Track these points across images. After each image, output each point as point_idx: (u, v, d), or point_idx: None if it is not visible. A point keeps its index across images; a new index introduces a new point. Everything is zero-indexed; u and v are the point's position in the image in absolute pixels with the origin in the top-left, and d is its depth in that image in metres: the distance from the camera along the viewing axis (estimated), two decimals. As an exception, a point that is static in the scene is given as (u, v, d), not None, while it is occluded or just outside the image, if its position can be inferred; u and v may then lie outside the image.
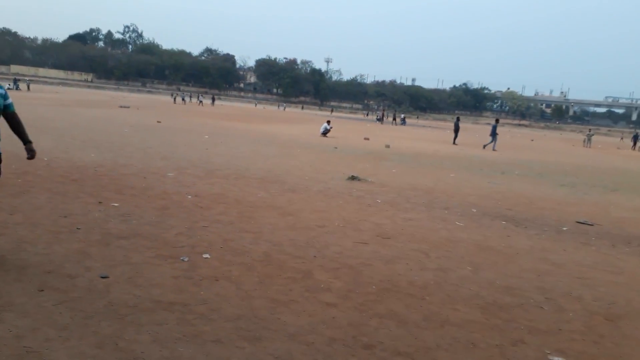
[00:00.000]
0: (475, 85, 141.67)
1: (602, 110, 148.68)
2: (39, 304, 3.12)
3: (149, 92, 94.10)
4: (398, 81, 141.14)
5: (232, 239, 4.92)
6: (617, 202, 9.92)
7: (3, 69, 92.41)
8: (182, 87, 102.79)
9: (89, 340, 2.75)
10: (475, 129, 61.94)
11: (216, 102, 69.48)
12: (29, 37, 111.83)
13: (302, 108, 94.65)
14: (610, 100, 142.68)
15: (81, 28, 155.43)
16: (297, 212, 6.44)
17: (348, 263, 4.52)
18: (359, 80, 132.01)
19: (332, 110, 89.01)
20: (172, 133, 16.67)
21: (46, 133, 12.99)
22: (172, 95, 64.56)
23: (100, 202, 5.91)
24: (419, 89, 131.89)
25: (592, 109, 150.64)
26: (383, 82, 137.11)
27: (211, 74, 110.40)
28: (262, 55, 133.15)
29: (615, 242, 6.37)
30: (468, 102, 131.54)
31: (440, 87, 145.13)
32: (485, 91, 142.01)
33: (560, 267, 4.99)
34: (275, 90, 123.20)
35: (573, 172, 15.50)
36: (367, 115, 75.90)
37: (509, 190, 10.24)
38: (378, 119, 60.70)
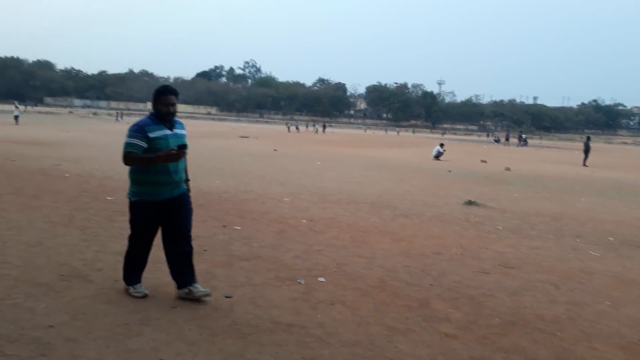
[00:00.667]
0: (608, 102, 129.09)
1: None
2: (172, 320, 3.41)
3: (266, 122, 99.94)
4: (518, 100, 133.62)
5: (346, 264, 4.97)
6: None
7: (141, 106, 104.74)
8: (295, 117, 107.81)
9: (215, 356, 2.93)
10: (608, 149, 56.26)
11: (327, 129, 71.69)
12: (163, 77, 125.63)
13: (414, 132, 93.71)
14: None
15: (207, 65, 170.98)
16: (410, 238, 6.33)
17: (468, 293, 4.31)
18: (473, 101, 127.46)
19: (443, 133, 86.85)
20: (287, 160, 17.45)
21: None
22: (286, 124, 67.86)
23: (224, 226, 6.34)
24: (542, 107, 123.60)
25: None
26: (501, 101, 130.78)
27: (323, 103, 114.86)
28: (373, 81, 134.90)
29: None
30: (599, 120, 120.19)
31: (566, 105, 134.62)
32: (620, 107, 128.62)
33: None
34: (385, 115, 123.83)
35: None
36: (488, 136, 72.49)
37: (654, 217, 9.07)
38: (496, 140, 57.83)
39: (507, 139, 55.68)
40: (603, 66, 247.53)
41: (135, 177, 3.63)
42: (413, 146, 36.80)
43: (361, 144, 35.95)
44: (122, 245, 5.16)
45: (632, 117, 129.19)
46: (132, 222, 3.76)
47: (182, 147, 3.47)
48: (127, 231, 5.55)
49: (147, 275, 4.30)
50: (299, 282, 4.33)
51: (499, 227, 7.40)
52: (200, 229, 6.10)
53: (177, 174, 3.64)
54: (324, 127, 67.78)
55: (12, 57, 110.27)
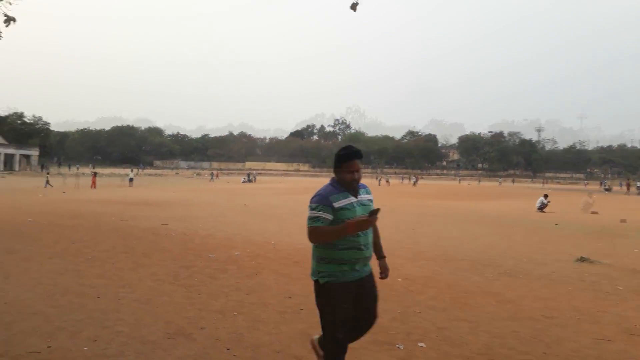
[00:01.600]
0: None
1: None
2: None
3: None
4: (629, 145, 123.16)
5: (447, 327, 4.71)
6: None
7: (239, 165, 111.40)
8: (385, 170, 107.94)
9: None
10: None
11: (419, 181, 70.73)
12: (260, 138, 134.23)
13: (513, 181, 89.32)
14: None
15: (303, 119, 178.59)
16: (517, 299, 5.88)
17: (588, 364, 3.87)
18: (578, 148, 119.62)
19: (544, 182, 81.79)
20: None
21: (271, 219, 14.85)
22: (376, 178, 68.23)
23: (318, 284, 6.37)
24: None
25: None
26: (609, 147, 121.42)
27: (413, 155, 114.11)
28: (466, 131, 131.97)
29: None
30: None
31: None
32: None
33: None
34: (480, 165, 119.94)
35: None
36: (601, 185, 66.62)
37: None
38: (606, 189, 53.21)
39: (627, 187, 50.95)
40: None
41: (321, 254, 3.11)
42: (513, 197, 34.95)
43: (456, 195, 34.85)
44: (223, 303, 5.37)
45: None
46: (324, 307, 3.11)
47: (373, 213, 2.94)
48: (227, 289, 5.78)
49: (250, 334, 4.39)
50: (398, 347, 4.17)
51: (619, 288, 6.66)
52: (295, 287, 6.18)
53: (367, 248, 3.14)
54: (416, 179, 66.97)
55: (127, 126, 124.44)
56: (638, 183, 56.07)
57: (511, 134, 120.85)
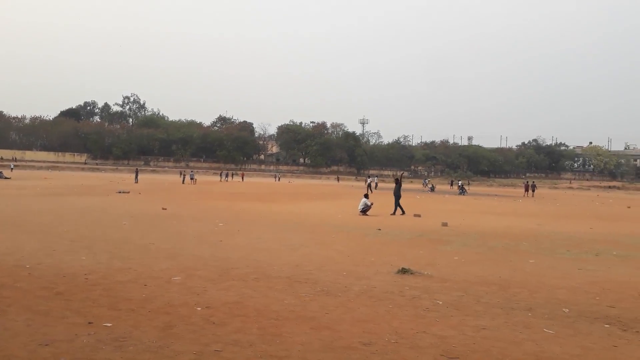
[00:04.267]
0: (549, 142, 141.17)
1: None
2: None
3: (153, 171, 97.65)
4: (451, 141, 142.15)
5: (253, 368, 4.70)
6: None
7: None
8: (191, 164, 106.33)
9: None
10: (554, 195, 60.88)
11: (229, 177, 71.57)
12: (16, 117, 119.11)
13: (338, 179, 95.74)
14: None
15: (75, 102, 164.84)
16: (334, 324, 6.20)
17: (405, 398, 4.21)
18: (402, 143, 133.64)
19: (368, 184, 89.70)
20: (180, 222, 16.91)
21: (29, 232, 13.35)
22: (180, 173, 66.65)
23: (90, 323, 5.83)
24: (478, 149, 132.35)
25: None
26: (432, 143, 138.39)
27: (226, 146, 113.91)
28: (285, 120, 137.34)
29: None
30: (541, 162, 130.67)
31: (504, 145, 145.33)
32: (562, 148, 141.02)
33: (697, 393, 4.52)
34: (302, 160, 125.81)
35: (690, 248, 14.71)
36: (426, 185, 75.83)
37: (608, 279, 9.72)
38: (431, 189, 60.58)
39: (451, 185, 58.71)
40: (542, 104, 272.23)
41: None
42: (337, 197, 37.47)
43: (274, 196, 35.99)
44: None
45: (576, 159, 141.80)
46: None
47: None
48: None
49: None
50: (190, 401, 3.99)
51: (438, 302, 7.50)
52: (56, 329, 5.57)
53: None
54: (229, 175, 67.50)
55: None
56: (460, 182, 65.11)
57: (335, 126, 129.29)
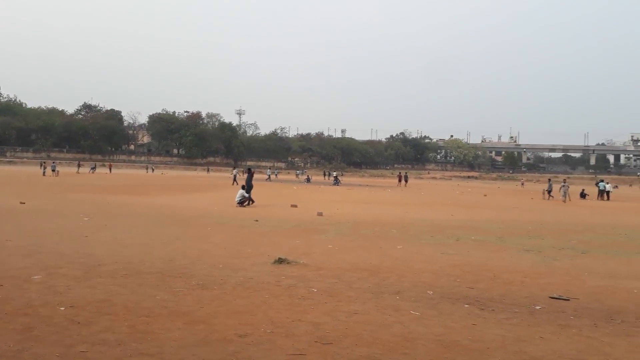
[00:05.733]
0: (415, 134, 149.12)
1: (558, 155, 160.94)
2: None
3: (10, 162, 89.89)
4: (326, 133, 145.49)
5: (123, 367, 4.49)
6: (590, 267, 10.42)
7: None
8: (53, 154, 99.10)
9: None
10: (420, 185, 64.43)
11: (98, 169, 67.85)
12: None
13: (208, 171, 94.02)
14: (564, 144, 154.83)
15: None
16: (209, 317, 6.09)
17: (281, 386, 4.24)
18: (279, 134, 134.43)
19: (243, 172, 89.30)
20: (41, 217, 15.72)
21: None
22: (41, 165, 61.88)
23: None
24: (351, 141, 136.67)
25: (546, 154, 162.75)
26: (308, 134, 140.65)
27: (91, 136, 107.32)
28: (157, 109, 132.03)
29: (596, 320, 6.57)
30: (408, 153, 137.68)
31: (374, 138, 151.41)
32: (426, 140, 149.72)
33: (542, 362, 5.00)
34: (176, 151, 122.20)
35: (537, 232, 16.29)
36: (299, 175, 77.12)
37: (467, 262, 10.47)
38: (307, 180, 61.64)
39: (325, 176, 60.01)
40: (409, 99, 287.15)
41: None
42: (213, 189, 36.85)
43: (145, 188, 34.58)
44: None
45: (439, 150, 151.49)
46: None
47: None
48: None
49: None
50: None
51: (313, 290, 7.64)
52: None
53: None
54: (91, 166, 63.83)
55: None
56: (334, 173, 66.89)
57: (210, 116, 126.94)
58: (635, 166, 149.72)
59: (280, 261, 9.64)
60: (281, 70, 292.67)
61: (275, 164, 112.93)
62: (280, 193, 35.68)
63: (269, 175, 64.54)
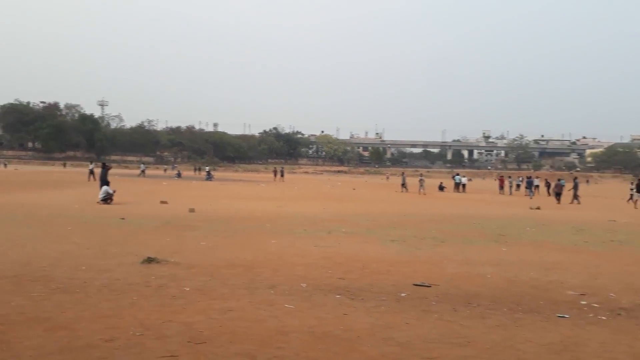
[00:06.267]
0: (287, 130, 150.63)
1: (419, 150, 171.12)
2: None
3: None
4: (197, 127, 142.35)
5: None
6: (449, 255, 11.19)
7: None
8: None
9: None
10: (293, 180, 65.15)
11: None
12: None
13: (65, 165, 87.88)
14: (423, 140, 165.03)
15: None
16: (72, 322, 5.71)
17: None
18: (147, 127, 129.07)
19: (104, 165, 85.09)
20: None
21: None
22: None
23: None
24: (224, 135, 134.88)
25: (408, 149, 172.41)
26: (178, 128, 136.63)
27: None
28: (9, 99, 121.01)
29: (455, 305, 7.08)
30: (281, 148, 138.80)
31: (248, 132, 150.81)
32: (299, 135, 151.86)
33: (407, 348, 5.29)
34: (31, 144, 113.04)
35: (401, 223, 17.18)
36: (167, 170, 74.70)
37: (338, 254, 10.78)
38: (177, 175, 59.96)
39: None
40: (282, 95, 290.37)
41: None
42: (73, 186, 34.55)
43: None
44: None
45: (310, 146, 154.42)
46: None
47: None
48: None
49: None
50: None
51: (185, 289, 7.46)
52: None
53: None
54: None
55: None
56: (207, 168, 65.65)
57: (69, 107, 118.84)
58: (486, 160, 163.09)
59: (149, 260, 9.28)
60: (148, 60, 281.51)
61: (143, 159, 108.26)
62: (149, 189, 34.34)
63: (143, 170, 61.73)
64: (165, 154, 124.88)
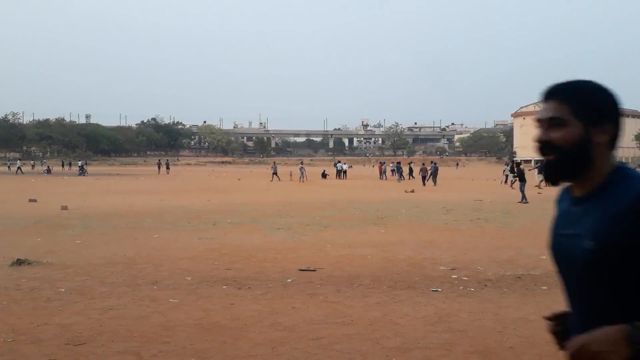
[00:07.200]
0: (167, 120, 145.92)
1: (302, 139, 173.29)
2: None
3: None
4: (68, 119, 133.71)
5: None
6: (331, 239, 11.51)
7: None
8: None
9: None
10: (174, 172, 63.37)
11: None
12: None
13: None
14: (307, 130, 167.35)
15: None
16: None
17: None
18: (10, 121, 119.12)
19: None
20: None
21: None
22: None
23: None
24: (97, 127, 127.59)
25: (292, 139, 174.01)
26: (47, 121, 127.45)
27: None
28: None
29: (339, 286, 7.33)
30: (161, 140, 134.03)
31: (124, 124, 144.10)
32: (180, 126, 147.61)
33: (294, 331, 5.41)
34: None
35: (286, 211, 17.38)
36: (34, 166, 69.44)
37: (224, 245, 10.72)
38: (47, 171, 56.03)
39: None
40: (161, 85, 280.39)
41: None
42: None
43: None
44: None
45: (192, 137, 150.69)
46: None
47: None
48: None
49: None
50: None
51: (61, 290, 7.06)
52: None
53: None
54: None
55: None
56: (80, 162, 61.97)
57: None
58: (365, 148, 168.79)
59: (19, 262, 8.66)
60: (13, 48, 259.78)
61: (8, 155, 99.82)
62: (15, 187, 31.85)
63: (19, 167, 55.37)
64: (33, 148, 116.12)
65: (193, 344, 5.02)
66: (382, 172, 46.55)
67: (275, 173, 42.60)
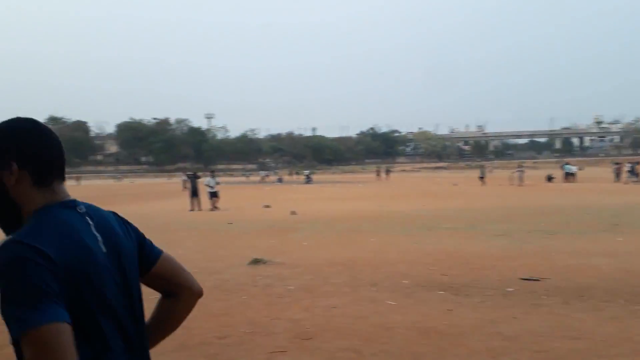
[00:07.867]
0: (384, 129, 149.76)
1: (524, 141, 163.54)
2: None
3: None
4: (296, 132, 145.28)
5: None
6: (558, 247, 10.65)
7: None
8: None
9: None
10: (391, 178, 64.72)
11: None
12: None
13: (167, 176, 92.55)
14: (530, 130, 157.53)
15: None
16: (187, 322, 5.94)
17: (263, 383, 4.26)
18: (250, 137, 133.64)
19: (212, 173, 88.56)
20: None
21: None
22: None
23: None
24: (322, 139, 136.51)
25: (512, 141, 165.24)
26: (279, 135, 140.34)
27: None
28: (124, 117, 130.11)
29: (567, 298, 6.74)
30: (378, 148, 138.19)
31: (345, 134, 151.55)
32: (396, 134, 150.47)
33: (515, 341, 5.12)
34: (144, 158, 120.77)
35: (506, 217, 16.57)
36: (264, 177, 77.11)
37: (439, 250, 10.61)
38: (279, 180, 61.60)
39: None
40: (379, 95, 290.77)
41: None
42: (181, 195, 36.44)
43: (117, 198, 34.05)
44: None
45: (408, 144, 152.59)
46: None
47: None
48: None
49: None
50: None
51: (290, 288, 7.67)
52: None
53: None
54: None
55: None
56: (306, 171, 66.89)
57: (179, 121, 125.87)
58: (599, 147, 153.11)
59: (255, 262, 9.64)
60: (251, 74, 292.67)
61: (246, 167, 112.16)
62: (253, 195, 35.57)
63: (279, 177, 61.86)
64: (267, 160, 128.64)
65: (411, 347, 5.05)
66: (618, 174, 41.83)
67: (482, 177, 41.36)
